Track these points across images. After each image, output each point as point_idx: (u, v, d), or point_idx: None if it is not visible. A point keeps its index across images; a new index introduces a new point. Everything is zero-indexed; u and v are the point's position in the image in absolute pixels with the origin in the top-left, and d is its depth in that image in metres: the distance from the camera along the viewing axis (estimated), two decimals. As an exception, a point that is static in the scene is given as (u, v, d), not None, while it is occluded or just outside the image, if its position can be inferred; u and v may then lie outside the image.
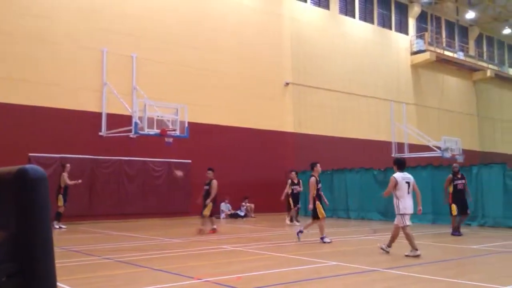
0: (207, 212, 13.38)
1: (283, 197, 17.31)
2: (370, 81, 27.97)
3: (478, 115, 35.00)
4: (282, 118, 23.99)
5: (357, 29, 28.17)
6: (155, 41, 20.01)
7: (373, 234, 13.84)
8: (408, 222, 9.26)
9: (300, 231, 11.58)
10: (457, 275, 7.35)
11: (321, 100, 25.46)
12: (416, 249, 9.06)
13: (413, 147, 25.22)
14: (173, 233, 13.45)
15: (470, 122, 34.24)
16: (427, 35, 31.29)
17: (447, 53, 32.31)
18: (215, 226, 13.74)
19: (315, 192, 11.34)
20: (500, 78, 36.53)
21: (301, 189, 17.03)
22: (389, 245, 9.51)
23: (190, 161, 20.12)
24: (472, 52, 35.20)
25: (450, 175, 13.50)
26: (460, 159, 23.97)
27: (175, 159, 19.58)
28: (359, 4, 28.40)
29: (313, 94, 25.22)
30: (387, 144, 25.48)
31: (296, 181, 17.07)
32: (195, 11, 21.42)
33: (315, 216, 11.34)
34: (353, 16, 28.05)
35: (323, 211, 11.33)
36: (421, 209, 9.67)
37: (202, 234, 12.99)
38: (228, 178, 21.14)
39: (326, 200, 11.85)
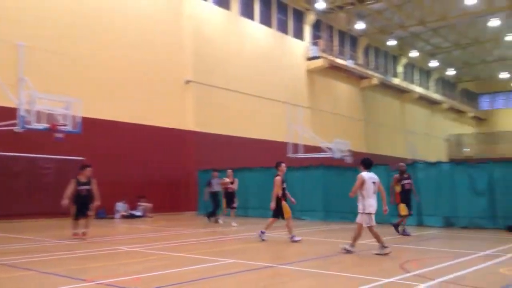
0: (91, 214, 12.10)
1: (223, 198, 16.68)
2: (269, 83, 28.83)
3: (365, 119, 37.67)
4: (183, 117, 23.78)
5: (257, 32, 28.86)
6: (47, 31, 18.73)
7: (268, 232, 14.25)
8: (373, 222, 9.30)
9: (262, 232, 11.49)
10: (344, 269, 7.88)
11: (222, 99, 25.69)
12: (386, 247, 9.14)
13: (307, 148, 26.45)
14: (62, 235, 12.68)
15: (358, 126, 36.73)
16: (321, 42, 32.99)
17: (338, 60, 34.36)
18: (84, 230, 12.02)
19: (280, 191, 11.27)
20: (385, 86, 39.69)
21: (236, 188, 16.49)
22: (352, 245, 9.44)
23: (83, 158, 19.11)
24: (360, 60, 37.81)
25: (397, 175, 13.26)
26: (349, 160, 25.69)
27: (67, 156, 18.46)
28: (259, 7, 29.11)
29: (215, 93, 25.36)
30: (284, 145, 26.43)
31: (231, 180, 16.51)
32: (93, 2, 20.41)
33: (275, 215, 11.34)
34: (253, 19, 28.69)
35: (289, 210, 11.26)
36: (387, 209, 9.70)
37: (79, 236, 11.99)
38: (125, 177, 20.49)
39: (292, 199, 11.63)
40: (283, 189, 11.36)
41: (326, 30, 35.03)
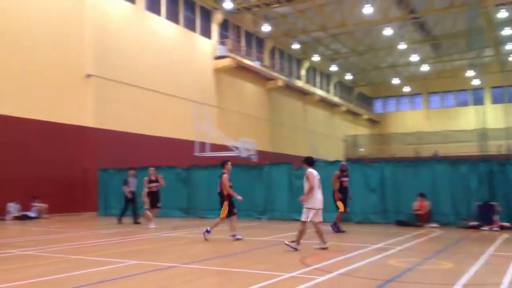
0: None
1: (143, 198, 15.27)
2: (176, 81, 28.44)
3: (270, 120, 38.67)
4: (82, 112, 22.59)
5: (164, 28, 28.32)
6: None
7: (173, 231, 14.12)
8: (311, 217, 9.48)
9: (234, 235, 11.35)
10: (247, 266, 8.04)
11: (126, 95, 24.83)
12: (325, 242, 9.61)
13: (214, 147, 26.53)
14: None
15: (263, 126, 37.59)
16: (228, 42, 33.25)
17: (245, 61, 34.88)
18: None
19: (228, 188, 11.26)
20: (289, 88, 41.06)
21: (164, 184, 15.44)
22: (297, 242, 9.53)
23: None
24: (267, 62, 38.73)
25: (338, 172, 13.38)
26: (254, 158, 26.25)
27: None
28: (166, 3, 28.60)
29: (118, 89, 24.43)
30: (190, 143, 26.25)
31: (154, 178, 15.36)
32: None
33: (230, 213, 11.36)
34: (160, 14, 28.11)
35: (225, 212, 11.22)
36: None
37: None
38: (17, 175, 19.02)
39: (238, 196, 11.45)
40: (230, 186, 11.42)
41: (234, 30, 35.38)
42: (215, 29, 32.87)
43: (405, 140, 50.06)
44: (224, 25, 33.98)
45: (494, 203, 14.01)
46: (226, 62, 32.19)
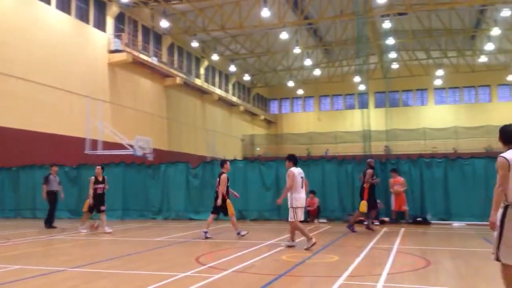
0: None
1: (91, 201, 13.47)
2: (66, 74, 26.70)
3: (168, 118, 38.06)
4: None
5: (53, 18, 26.47)
6: None
7: (61, 233, 13.32)
8: (300, 217, 9.60)
9: (205, 232, 11.44)
10: (141, 267, 7.87)
11: (9, 88, 22.78)
12: (293, 240, 9.76)
13: (107, 145, 25.45)
14: None
15: (160, 124, 36.86)
16: (124, 36, 32.10)
17: (142, 56, 33.92)
18: None
19: (225, 189, 11.44)
20: (188, 86, 40.73)
21: (107, 186, 13.85)
22: (292, 239, 9.78)
23: None
24: (165, 59, 38.04)
25: (371, 170, 13.36)
26: (150, 157, 25.64)
27: None
28: (57, -9, 26.79)
29: (0, 81, 22.35)
30: (81, 141, 24.90)
31: (101, 179, 13.74)
32: None
33: (215, 212, 11.61)
34: (49, 3, 26.25)
35: (232, 209, 11.54)
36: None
37: None
38: None
39: (236, 194, 11.95)
40: (227, 187, 11.63)
41: (130, 24, 34.23)
42: (109, 22, 31.51)
43: (298, 140, 52.26)
44: (120, 18, 32.72)
45: (378, 200, 15.20)
46: (121, 56, 31.00)
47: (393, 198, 15.62)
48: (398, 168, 16.10)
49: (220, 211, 11.68)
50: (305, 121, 57.79)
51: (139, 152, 25.13)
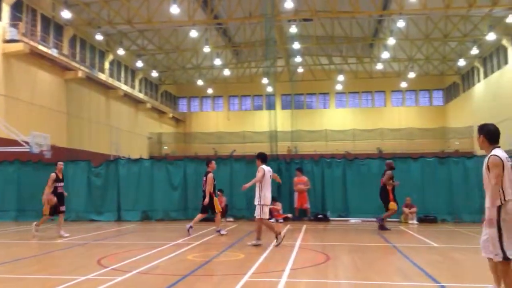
0: None
1: (48, 200, 11.92)
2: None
3: (68, 113, 36.04)
4: None
5: None
6: None
7: None
8: (266, 215, 9.79)
9: (191, 227, 11.77)
10: (38, 271, 7.42)
11: None
12: (259, 239, 9.77)
13: (0, 141, 23.53)
14: None
15: (60, 119, 34.77)
16: (21, 25, 29.85)
17: (41, 47, 31.78)
18: None
19: (212, 187, 11.70)
20: (91, 81, 38.85)
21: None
22: (258, 238, 9.77)
23: None
24: (66, 51, 35.95)
25: (390, 172, 13.23)
26: (48, 155, 24.09)
27: None
28: None
29: None
30: (-32, 136, 22.75)
31: (61, 177, 12.46)
32: None
33: (204, 211, 11.88)
34: None
35: (219, 206, 12.00)
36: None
37: None
38: None
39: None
40: (214, 185, 11.94)
41: (29, 13, 31.89)
42: (6, 10, 29.11)
43: (207, 140, 52.25)
44: (17, 6, 30.33)
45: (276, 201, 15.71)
46: (18, 46, 28.75)
47: (296, 196, 16.26)
48: (302, 167, 16.77)
49: (208, 209, 11.95)
50: (214, 121, 57.93)
51: (36, 150, 23.46)
